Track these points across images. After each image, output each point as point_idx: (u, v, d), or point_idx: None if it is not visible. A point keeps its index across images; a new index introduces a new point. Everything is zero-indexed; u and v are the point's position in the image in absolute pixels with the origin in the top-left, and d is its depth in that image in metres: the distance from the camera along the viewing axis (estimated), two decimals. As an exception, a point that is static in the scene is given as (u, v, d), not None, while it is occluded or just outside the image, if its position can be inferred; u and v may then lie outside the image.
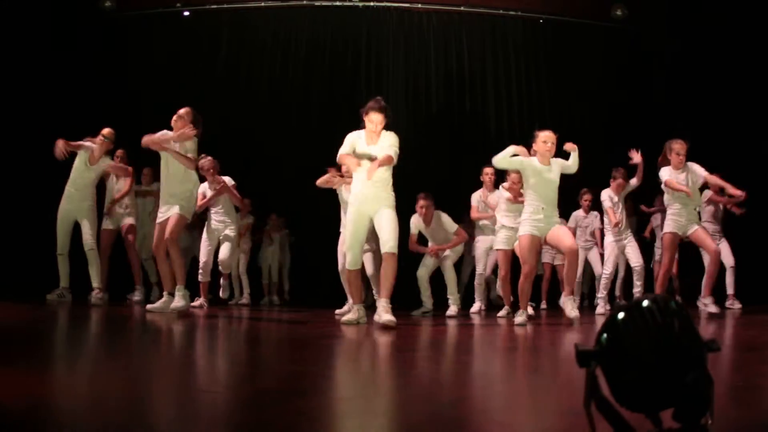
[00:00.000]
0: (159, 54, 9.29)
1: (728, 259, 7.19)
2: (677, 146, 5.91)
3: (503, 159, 5.29)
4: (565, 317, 5.17)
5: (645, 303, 1.17)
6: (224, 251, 6.59)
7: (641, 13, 9.11)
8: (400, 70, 9.73)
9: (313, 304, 7.80)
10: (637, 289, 6.96)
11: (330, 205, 7.09)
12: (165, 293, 5.53)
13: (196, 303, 6.44)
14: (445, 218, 6.49)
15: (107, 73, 8.92)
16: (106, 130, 6.49)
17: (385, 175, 4.87)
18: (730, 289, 7.17)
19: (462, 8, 9.69)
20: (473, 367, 2.97)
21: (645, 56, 9.29)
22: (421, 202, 6.47)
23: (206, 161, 6.56)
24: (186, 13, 9.67)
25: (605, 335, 1.17)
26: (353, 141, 4.98)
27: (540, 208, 5.18)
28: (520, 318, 5.19)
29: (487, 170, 6.84)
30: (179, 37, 9.49)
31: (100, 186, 7.14)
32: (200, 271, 6.63)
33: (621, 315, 1.17)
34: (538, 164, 5.21)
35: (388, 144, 4.88)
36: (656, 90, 9.07)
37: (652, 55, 9.27)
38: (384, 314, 4.61)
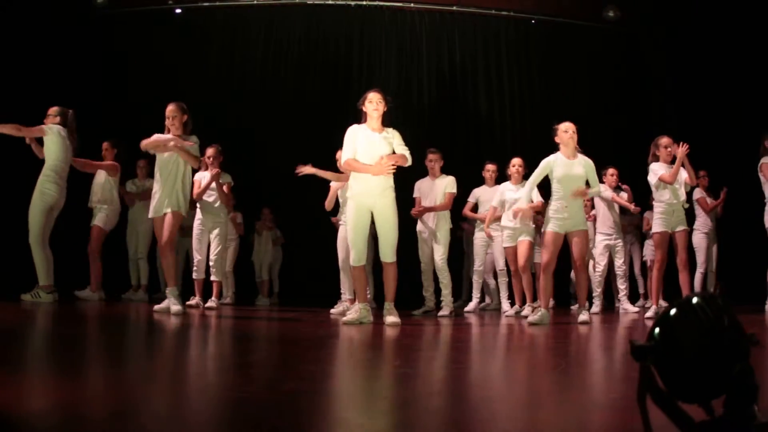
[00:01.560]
0: (151, 51, 9.26)
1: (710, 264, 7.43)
2: (666, 140, 6.02)
3: (531, 187, 5.46)
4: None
5: (695, 300, 1.23)
6: (214, 253, 6.53)
7: (634, 14, 9.23)
8: (392, 69, 9.79)
9: (304, 302, 7.75)
10: (621, 293, 7.16)
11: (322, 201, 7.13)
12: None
13: (192, 302, 6.34)
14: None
15: (98, 70, 8.88)
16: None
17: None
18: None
19: (454, 8, 9.76)
20: (491, 367, 3.03)
21: (638, 57, 9.42)
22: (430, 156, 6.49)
23: (211, 149, 6.58)
24: (178, 11, 9.64)
25: (657, 330, 1.23)
26: (354, 138, 4.94)
27: (564, 207, 5.20)
28: (534, 317, 5.10)
29: (489, 167, 6.95)
30: (171, 34, 9.47)
31: (86, 181, 7.11)
32: (194, 268, 6.50)
33: (673, 311, 1.23)
34: (563, 157, 5.26)
35: (397, 142, 4.94)
36: (650, 90, 9.19)
37: (645, 55, 9.40)
38: (388, 316, 4.84)
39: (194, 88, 8.75)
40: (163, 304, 5.43)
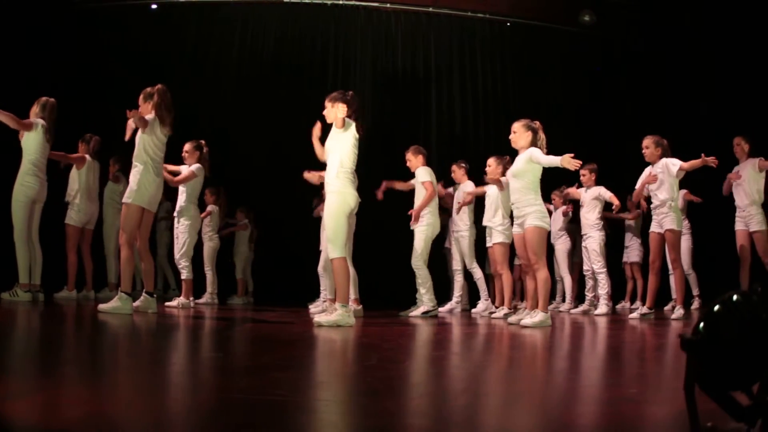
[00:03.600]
0: (127, 47, 9.14)
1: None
2: (647, 141, 6.23)
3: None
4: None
5: (735, 297, 1.37)
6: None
7: (609, 18, 9.45)
8: (367, 69, 9.86)
9: (281, 301, 7.72)
10: (590, 294, 7.23)
11: (300, 199, 7.09)
12: (144, 292, 5.39)
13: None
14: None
15: (75, 65, 8.73)
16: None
17: (332, 164, 4.78)
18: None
19: (430, 9, 9.87)
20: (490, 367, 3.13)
21: (612, 61, 9.66)
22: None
23: (188, 144, 6.59)
24: (154, 7, 9.54)
25: (702, 324, 1.36)
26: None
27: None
28: (534, 319, 4.97)
29: (462, 164, 7.13)
30: (147, 30, 9.36)
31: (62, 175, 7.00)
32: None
33: (716, 307, 1.36)
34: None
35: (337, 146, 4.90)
36: (623, 94, 9.44)
37: (620, 60, 9.64)
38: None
39: (169, 85, 8.60)
40: (138, 303, 5.28)
